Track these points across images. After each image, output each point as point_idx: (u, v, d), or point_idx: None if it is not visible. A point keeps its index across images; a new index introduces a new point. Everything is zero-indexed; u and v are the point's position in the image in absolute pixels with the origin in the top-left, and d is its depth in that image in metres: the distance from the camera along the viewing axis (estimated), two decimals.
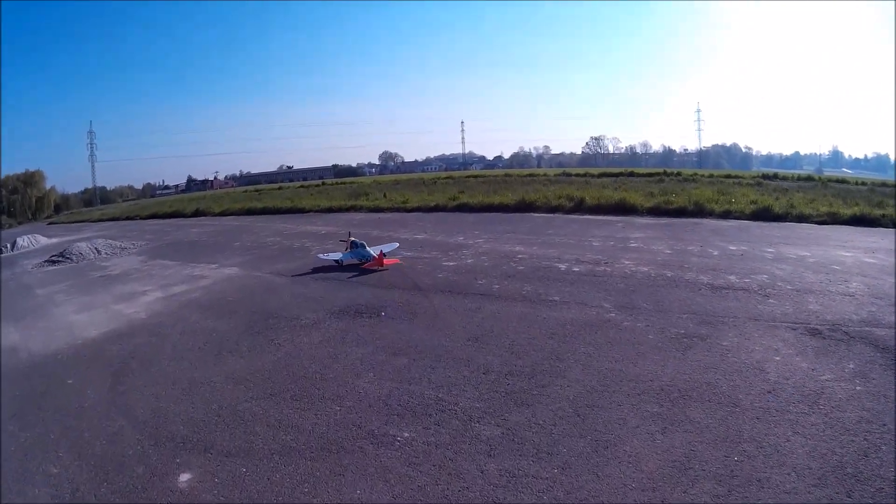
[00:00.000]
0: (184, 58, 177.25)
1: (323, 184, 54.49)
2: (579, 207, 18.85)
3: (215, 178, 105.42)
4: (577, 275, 10.35)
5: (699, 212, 16.22)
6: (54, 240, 30.98)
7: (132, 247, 23.15)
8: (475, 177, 44.60)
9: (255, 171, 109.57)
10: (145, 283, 14.81)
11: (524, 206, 20.39)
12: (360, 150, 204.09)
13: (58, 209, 78.64)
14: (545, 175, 41.84)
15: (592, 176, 37.00)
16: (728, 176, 34.28)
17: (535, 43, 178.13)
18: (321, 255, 13.79)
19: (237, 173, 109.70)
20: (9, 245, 28.88)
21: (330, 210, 27.16)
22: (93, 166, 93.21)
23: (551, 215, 18.76)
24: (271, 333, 8.96)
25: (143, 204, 61.34)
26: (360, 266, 12.57)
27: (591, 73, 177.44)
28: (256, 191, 54.46)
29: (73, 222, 51.13)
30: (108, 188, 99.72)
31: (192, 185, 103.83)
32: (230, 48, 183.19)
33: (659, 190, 22.05)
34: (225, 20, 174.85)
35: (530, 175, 42.14)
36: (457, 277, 11.05)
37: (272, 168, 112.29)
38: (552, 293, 9.21)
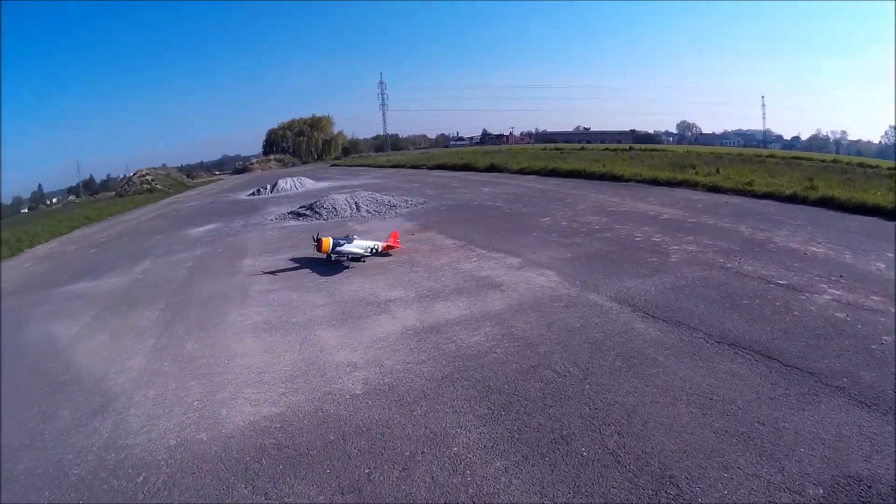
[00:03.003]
0: (482, 20, 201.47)
1: (630, 148, 50.49)
2: None
3: (510, 132, 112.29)
4: None
5: None
6: (323, 184, 31.49)
7: (403, 205, 20.00)
8: (804, 159, 38.82)
9: (550, 129, 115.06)
10: (396, 279, 10.67)
11: None
12: (656, 118, 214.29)
13: (346, 152, 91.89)
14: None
15: None
16: None
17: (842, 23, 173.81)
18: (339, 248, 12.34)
19: (532, 130, 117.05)
20: (268, 186, 29.98)
21: (655, 182, 23.04)
22: (383, 114, 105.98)
23: None
24: None
25: (433, 153, 65.36)
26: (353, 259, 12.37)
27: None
28: (557, 149, 53.54)
29: (356, 166, 55.43)
30: (401, 136, 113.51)
31: (486, 138, 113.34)
32: (528, 12, 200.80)
33: None
34: None
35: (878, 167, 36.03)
36: None
37: (568, 128, 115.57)
38: None
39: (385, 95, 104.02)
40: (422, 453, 4.81)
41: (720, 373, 6.07)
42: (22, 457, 5.68)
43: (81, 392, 7.03)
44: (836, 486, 4.29)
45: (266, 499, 4.40)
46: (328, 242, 12.01)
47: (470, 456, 4.71)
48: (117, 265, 15.35)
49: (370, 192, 21.94)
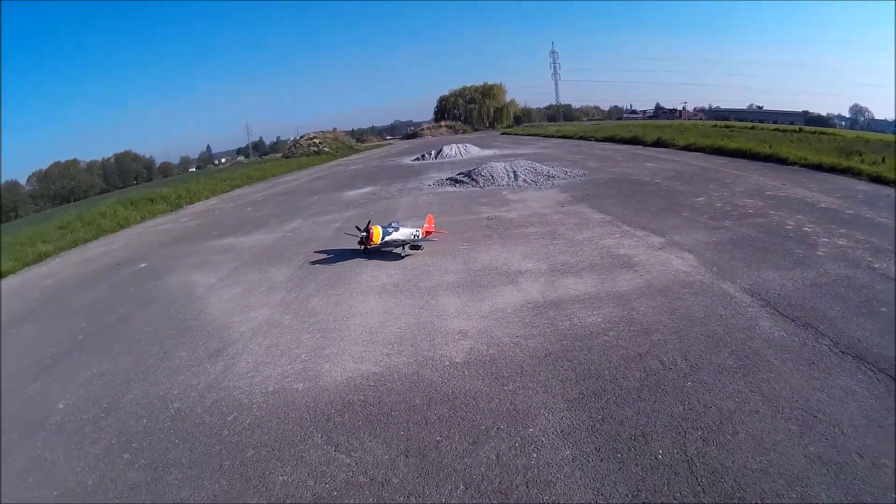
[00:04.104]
0: None
1: (801, 130, 46.99)
2: None
3: (684, 108, 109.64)
4: None
5: None
6: (488, 151, 32.25)
7: (562, 176, 19.96)
8: None
9: (724, 105, 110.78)
10: (533, 251, 10.75)
11: None
12: (829, 99, 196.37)
13: (518, 121, 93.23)
14: None
15: None
16: None
17: None
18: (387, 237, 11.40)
19: (706, 106, 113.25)
20: (433, 152, 31.48)
21: (819, 167, 21.40)
22: (556, 84, 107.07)
23: None
24: None
25: (603, 125, 64.78)
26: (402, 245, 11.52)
27: None
28: (727, 126, 51.71)
29: (525, 135, 56.64)
30: (574, 106, 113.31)
31: (659, 112, 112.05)
32: None
33: None
34: None
35: None
36: None
37: (741, 106, 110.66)
38: None
39: (557, 65, 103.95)
40: (497, 429, 4.87)
41: (834, 388, 5.52)
42: (132, 388, 6.63)
43: (202, 336, 7.98)
44: None
45: (335, 450, 4.78)
46: (379, 233, 11.02)
47: (543, 439, 4.69)
48: (268, 223, 17.06)
49: (530, 162, 22.07)
